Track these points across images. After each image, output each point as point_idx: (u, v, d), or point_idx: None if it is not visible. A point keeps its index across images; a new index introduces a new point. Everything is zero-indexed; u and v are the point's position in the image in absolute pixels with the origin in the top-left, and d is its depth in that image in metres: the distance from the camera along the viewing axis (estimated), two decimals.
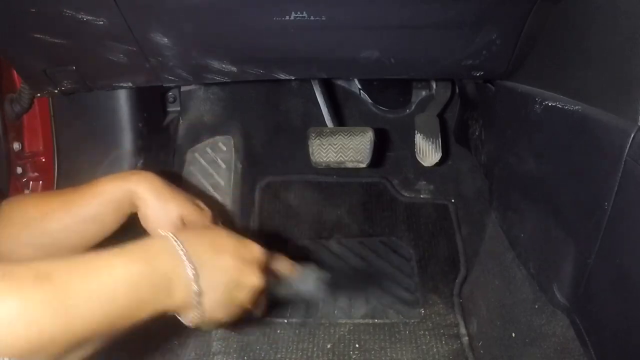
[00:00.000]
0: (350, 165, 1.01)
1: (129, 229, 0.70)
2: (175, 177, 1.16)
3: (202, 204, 0.74)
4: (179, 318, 0.57)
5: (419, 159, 1.05)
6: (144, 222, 0.68)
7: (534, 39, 0.71)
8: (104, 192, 0.67)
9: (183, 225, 0.69)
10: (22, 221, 0.66)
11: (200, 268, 0.54)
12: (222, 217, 0.77)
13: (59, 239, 0.66)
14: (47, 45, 0.73)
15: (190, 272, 0.53)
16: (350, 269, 1.11)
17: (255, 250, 0.61)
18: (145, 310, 0.50)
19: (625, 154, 0.48)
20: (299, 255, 0.75)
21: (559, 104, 0.63)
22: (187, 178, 1.17)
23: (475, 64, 0.76)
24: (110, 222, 0.68)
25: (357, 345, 0.94)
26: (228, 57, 0.77)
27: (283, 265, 0.71)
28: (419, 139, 1.06)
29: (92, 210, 0.66)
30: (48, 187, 0.99)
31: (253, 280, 0.59)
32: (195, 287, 0.53)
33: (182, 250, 0.53)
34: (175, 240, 0.54)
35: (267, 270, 0.63)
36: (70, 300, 0.44)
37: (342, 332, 0.97)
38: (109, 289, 0.47)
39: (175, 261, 0.53)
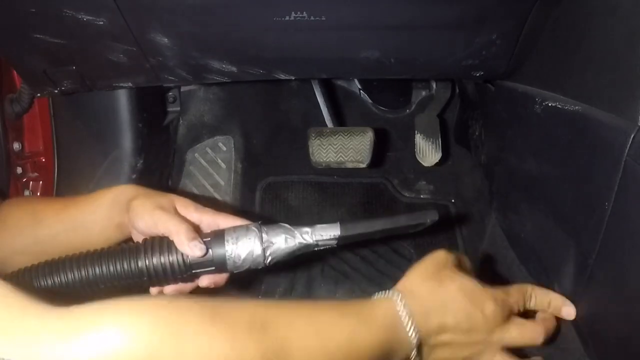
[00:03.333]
0: (350, 165, 1.01)
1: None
2: (175, 177, 1.16)
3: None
4: None
5: (419, 159, 1.05)
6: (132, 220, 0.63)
7: (534, 39, 0.71)
8: (92, 199, 0.65)
9: (172, 209, 0.62)
10: (16, 228, 0.65)
11: (425, 335, 0.51)
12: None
13: (49, 248, 0.65)
14: (47, 45, 0.73)
15: (413, 340, 0.50)
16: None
17: (489, 306, 0.54)
18: None
19: (625, 154, 0.48)
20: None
21: (559, 104, 0.63)
22: (187, 178, 1.17)
23: (475, 64, 0.76)
24: (101, 233, 0.65)
25: None
26: (228, 57, 0.77)
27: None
28: (419, 139, 1.06)
29: (80, 218, 0.65)
30: (48, 187, 0.99)
31: (483, 336, 0.54)
32: (414, 355, 0.50)
33: (407, 317, 0.50)
34: (402, 305, 0.50)
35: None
36: (289, 352, 0.42)
37: None
38: (326, 352, 0.44)
39: (398, 326, 0.49)
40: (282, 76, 0.81)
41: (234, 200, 1.18)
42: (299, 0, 0.66)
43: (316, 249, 0.61)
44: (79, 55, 0.77)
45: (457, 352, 0.54)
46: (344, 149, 1.00)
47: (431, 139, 1.06)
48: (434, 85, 1.27)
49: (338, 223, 0.60)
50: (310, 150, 1.01)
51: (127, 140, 0.97)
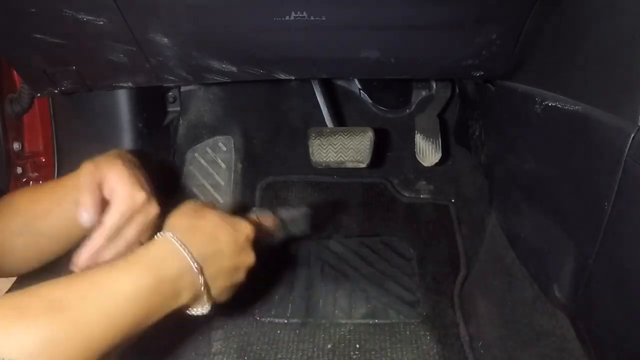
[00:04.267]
0: (350, 165, 1.01)
1: None
2: (175, 177, 1.16)
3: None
4: (186, 311, 0.58)
5: (419, 159, 1.05)
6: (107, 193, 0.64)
7: (534, 39, 0.71)
8: (78, 173, 0.65)
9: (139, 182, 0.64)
10: (11, 210, 0.66)
11: (203, 262, 0.56)
12: None
13: (46, 227, 0.66)
14: (47, 45, 0.73)
15: (195, 269, 0.55)
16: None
17: (245, 229, 0.63)
18: (157, 316, 0.53)
19: (625, 154, 0.48)
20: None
21: (559, 104, 0.63)
22: (187, 178, 1.17)
23: (475, 64, 0.76)
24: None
25: (357, 346, 0.94)
26: (228, 57, 0.77)
27: (268, 223, 0.75)
28: (419, 139, 1.06)
29: (73, 194, 0.64)
30: None
31: (249, 260, 0.63)
32: (201, 282, 0.56)
33: (185, 250, 0.54)
34: (176, 241, 0.55)
35: (257, 236, 0.65)
36: (86, 325, 0.46)
37: (342, 333, 0.97)
38: (121, 308, 0.48)
39: (180, 263, 0.54)
40: (282, 76, 0.81)
41: (234, 200, 1.18)
42: (299, 0, 0.66)
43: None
44: (79, 55, 0.77)
45: (232, 279, 0.62)
46: (344, 149, 1.00)
47: (431, 139, 1.06)
48: (434, 85, 1.27)
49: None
50: (310, 150, 1.01)
51: (127, 140, 0.97)
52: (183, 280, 0.54)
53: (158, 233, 0.57)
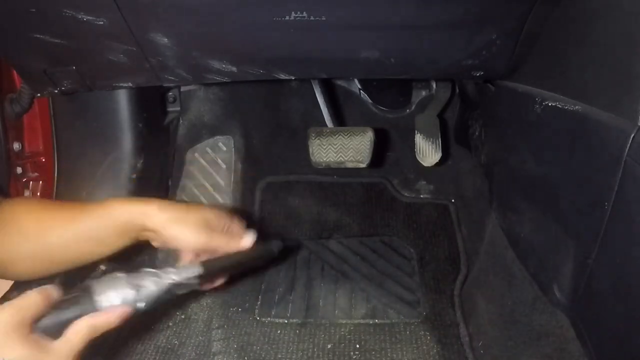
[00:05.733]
0: (350, 165, 1.01)
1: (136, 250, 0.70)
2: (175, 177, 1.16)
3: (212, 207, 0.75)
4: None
5: (419, 159, 1.05)
6: (170, 240, 0.66)
7: (534, 39, 0.71)
8: (110, 213, 0.65)
9: (210, 228, 0.68)
10: (21, 232, 0.65)
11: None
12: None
13: (58, 255, 0.65)
14: (47, 45, 0.73)
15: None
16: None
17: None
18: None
19: (625, 154, 0.48)
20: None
21: (559, 104, 0.63)
22: (187, 178, 1.17)
23: (475, 64, 0.76)
24: (113, 244, 0.66)
25: (357, 346, 0.94)
26: (228, 57, 0.77)
27: (108, 322, 0.58)
28: (419, 139, 1.06)
29: (94, 231, 0.65)
30: (48, 187, 0.99)
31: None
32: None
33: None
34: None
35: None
36: None
37: (342, 333, 0.97)
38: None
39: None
40: (282, 76, 0.81)
41: (234, 200, 1.18)
42: (299, 0, 0.66)
43: (180, 292, 0.62)
44: (79, 55, 0.77)
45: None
46: (344, 149, 1.00)
47: (431, 139, 1.06)
48: (434, 85, 1.27)
49: (199, 263, 0.65)
50: (310, 150, 1.01)
51: (127, 140, 0.97)
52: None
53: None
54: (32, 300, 0.51)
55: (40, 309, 0.51)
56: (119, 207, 0.65)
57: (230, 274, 0.73)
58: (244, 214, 0.94)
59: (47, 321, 0.51)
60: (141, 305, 0.57)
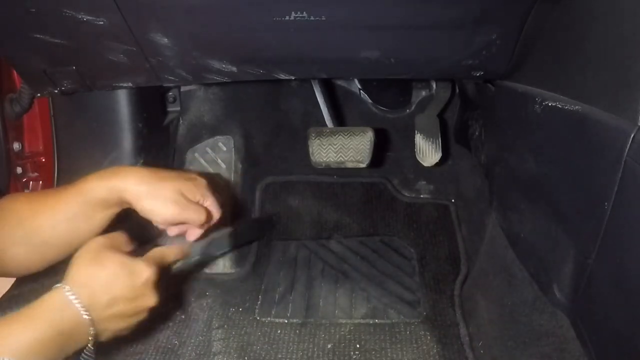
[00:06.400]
0: (350, 165, 1.01)
1: (123, 222, 0.71)
2: None
3: (193, 174, 0.76)
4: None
5: (419, 159, 1.05)
6: (144, 214, 0.69)
7: (534, 39, 0.71)
8: (89, 190, 0.67)
9: (185, 199, 0.70)
10: (15, 220, 0.67)
11: (95, 312, 0.60)
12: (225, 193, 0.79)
13: (48, 238, 0.67)
14: (47, 45, 0.73)
15: (88, 321, 0.59)
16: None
17: (144, 274, 0.64)
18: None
19: (625, 154, 0.48)
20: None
21: (559, 104, 0.63)
22: None
23: (475, 64, 0.76)
24: (99, 220, 0.69)
25: (357, 346, 0.94)
26: (228, 57, 0.77)
27: (175, 254, 0.75)
28: (419, 139, 1.06)
29: (78, 209, 0.67)
30: (48, 187, 0.99)
31: (148, 302, 0.65)
32: (92, 333, 0.60)
33: (79, 304, 0.58)
34: (71, 295, 0.58)
35: (164, 271, 0.69)
36: None
37: (342, 332, 0.97)
38: (23, 357, 0.53)
39: (74, 316, 0.58)
40: (282, 76, 0.81)
41: (233, 200, 1.18)
42: (299, 0, 0.66)
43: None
44: (79, 55, 0.77)
45: (130, 321, 0.65)
46: (344, 149, 1.00)
47: (431, 139, 1.06)
48: (434, 85, 1.27)
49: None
50: (310, 150, 1.01)
51: (127, 140, 0.97)
52: (78, 330, 0.59)
53: (56, 285, 0.60)
54: (117, 234, 0.66)
55: (125, 240, 0.66)
56: (97, 183, 0.67)
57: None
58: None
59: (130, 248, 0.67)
60: (196, 256, 0.75)
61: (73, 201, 0.67)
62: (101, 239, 0.65)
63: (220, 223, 0.78)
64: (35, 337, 0.54)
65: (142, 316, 0.66)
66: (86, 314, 0.59)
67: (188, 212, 0.70)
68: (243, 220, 0.81)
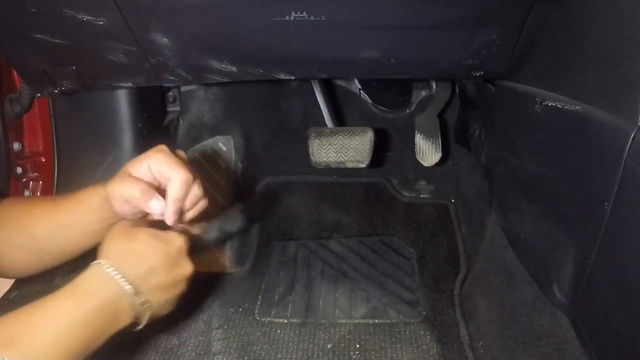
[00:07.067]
0: (350, 165, 1.01)
1: None
2: None
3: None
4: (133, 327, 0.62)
5: (419, 159, 1.05)
6: (114, 203, 0.65)
7: (534, 39, 0.71)
8: (84, 199, 0.67)
9: (126, 175, 0.64)
10: (13, 225, 0.67)
11: (137, 283, 0.59)
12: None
13: (45, 245, 0.67)
14: (47, 45, 0.73)
15: (130, 292, 0.58)
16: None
17: (176, 242, 0.64)
18: (101, 339, 0.57)
19: (625, 154, 0.48)
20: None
21: (559, 104, 0.63)
22: None
23: (475, 64, 0.76)
24: (97, 230, 0.67)
25: (357, 346, 0.94)
26: (228, 57, 0.77)
27: (196, 230, 0.75)
28: (419, 139, 1.06)
29: (76, 219, 0.67)
30: (48, 187, 0.99)
31: (185, 270, 0.65)
32: (139, 302, 0.59)
33: (118, 275, 0.58)
34: (109, 268, 0.58)
35: (190, 243, 0.68)
36: (36, 356, 0.51)
37: (342, 332, 0.97)
38: (65, 337, 0.53)
39: (115, 288, 0.58)
40: (282, 76, 0.81)
41: (233, 200, 1.18)
42: (299, 0, 0.66)
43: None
44: (79, 55, 0.77)
45: (171, 292, 0.64)
46: (344, 149, 1.00)
47: (431, 139, 1.06)
48: (434, 85, 1.27)
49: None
50: (310, 150, 1.01)
51: (127, 140, 0.97)
52: (121, 304, 0.58)
53: (93, 262, 0.59)
54: (137, 219, 0.67)
55: (146, 223, 0.66)
56: (92, 192, 0.67)
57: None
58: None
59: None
60: (214, 233, 0.78)
61: (70, 210, 0.67)
62: (127, 221, 0.65)
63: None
64: (76, 314, 0.54)
65: (182, 287, 0.66)
66: (128, 285, 0.58)
67: (122, 187, 0.63)
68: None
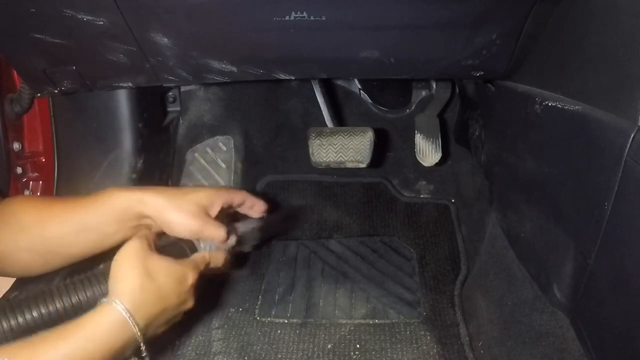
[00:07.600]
0: (350, 165, 1.01)
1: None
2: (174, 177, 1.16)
3: (207, 186, 0.76)
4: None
5: (419, 159, 1.05)
6: (164, 226, 0.67)
7: (534, 39, 0.71)
8: (108, 201, 0.65)
9: (204, 215, 0.68)
10: (20, 225, 0.65)
11: (148, 324, 0.59)
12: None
13: (56, 247, 0.65)
14: (47, 45, 0.73)
15: (141, 335, 0.58)
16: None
17: (189, 280, 0.64)
18: None
19: (625, 154, 0.48)
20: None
21: (559, 104, 0.63)
22: (187, 178, 1.17)
23: (475, 64, 0.76)
24: (112, 233, 0.66)
25: (357, 346, 0.94)
26: (228, 57, 0.77)
27: (218, 261, 0.73)
28: (419, 139, 1.06)
29: (94, 221, 0.65)
30: (48, 187, 0.99)
31: (188, 305, 0.66)
32: (143, 348, 0.59)
33: (131, 321, 0.57)
34: (125, 312, 0.57)
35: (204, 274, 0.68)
36: None
37: (342, 333, 0.97)
38: None
39: (127, 334, 0.57)
40: (282, 76, 0.81)
41: None
42: (299, 0, 0.66)
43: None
44: (79, 55, 0.77)
45: (170, 323, 0.65)
46: (344, 149, 1.00)
47: (431, 139, 1.06)
48: (434, 85, 1.27)
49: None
50: (310, 150, 1.01)
51: (127, 140, 0.97)
52: (128, 348, 0.58)
53: (105, 299, 0.58)
54: (145, 231, 0.65)
55: (154, 235, 0.66)
56: (117, 194, 0.65)
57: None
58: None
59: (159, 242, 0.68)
60: (232, 241, 0.73)
61: (87, 211, 0.65)
62: (137, 243, 0.62)
63: None
64: (85, 355, 0.53)
65: (179, 318, 0.66)
66: (139, 331, 0.57)
67: (208, 227, 0.68)
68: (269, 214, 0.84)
